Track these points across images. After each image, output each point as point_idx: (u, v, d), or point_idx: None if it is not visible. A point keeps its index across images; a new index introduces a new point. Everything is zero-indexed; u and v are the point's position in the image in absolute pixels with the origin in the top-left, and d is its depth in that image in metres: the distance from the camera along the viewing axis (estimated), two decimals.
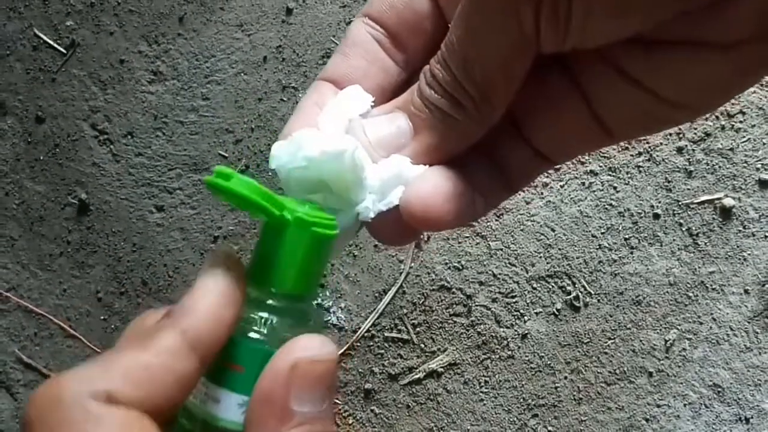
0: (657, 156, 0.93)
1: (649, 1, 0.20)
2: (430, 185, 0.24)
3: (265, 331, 0.24)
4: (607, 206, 0.93)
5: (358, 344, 0.94)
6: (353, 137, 0.25)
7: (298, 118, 0.27)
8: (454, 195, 0.24)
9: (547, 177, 0.94)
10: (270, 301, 0.24)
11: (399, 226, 0.26)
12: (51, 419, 0.19)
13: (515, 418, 0.91)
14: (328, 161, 0.24)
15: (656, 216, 0.92)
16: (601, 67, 0.24)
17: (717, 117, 0.93)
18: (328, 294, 0.95)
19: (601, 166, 0.94)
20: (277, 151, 0.26)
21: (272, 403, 0.21)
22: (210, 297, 0.22)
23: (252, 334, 0.24)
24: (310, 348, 0.22)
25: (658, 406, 0.90)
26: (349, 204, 0.25)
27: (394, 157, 0.25)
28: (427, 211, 0.24)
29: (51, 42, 1.04)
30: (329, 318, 0.94)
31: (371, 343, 0.94)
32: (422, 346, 0.93)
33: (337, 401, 0.93)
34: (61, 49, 1.03)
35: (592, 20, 0.21)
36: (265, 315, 0.24)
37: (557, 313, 0.92)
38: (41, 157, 1.02)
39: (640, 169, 0.93)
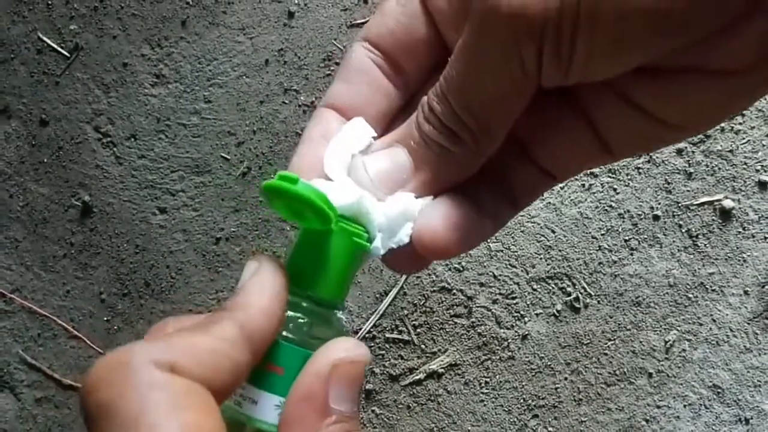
0: (657, 158, 0.94)
1: (651, 38, 0.20)
2: (439, 217, 0.25)
3: (301, 334, 0.24)
4: (607, 208, 0.94)
5: None
6: (353, 175, 0.26)
7: (305, 149, 0.27)
8: (463, 223, 0.25)
9: None
10: (305, 304, 0.25)
11: (411, 258, 0.26)
12: (117, 382, 0.20)
13: (515, 419, 0.92)
14: (340, 210, 0.25)
15: (656, 217, 0.93)
16: (605, 94, 0.24)
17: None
18: None
19: (600, 168, 0.95)
20: None
21: (313, 400, 0.22)
22: (265, 294, 0.23)
23: (290, 336, 0.24)
24: (348, 349, 0.23)
25: (658, 406, 0.90)
26: None
27: (398, 195, 0.26)
28: (439, 242, 0.25)
29: (55, 45, 1.04)
30: None
31: (372, 344, 0.94)
32: (423, 347, 0.94)
33: None
34: (65, 53, 1.04)
35: (595, 58, 0.21)
36: (301, 317, 0.25)
37: (557, 314, 0.93)
38: (45, 160, 1.03)
39: (640, 170, 0.94)
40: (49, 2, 1.05)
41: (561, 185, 0.95)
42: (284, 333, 0.24)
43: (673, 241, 0.92)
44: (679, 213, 0.93)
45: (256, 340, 0.22)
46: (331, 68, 1.00)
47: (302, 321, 0.25)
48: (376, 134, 0.27)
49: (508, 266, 0.94)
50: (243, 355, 0.22)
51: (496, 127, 0.24)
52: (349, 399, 0.23)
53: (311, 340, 0.24)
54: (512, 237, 0.94)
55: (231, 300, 0.23)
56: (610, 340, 0.92)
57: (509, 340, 0.93)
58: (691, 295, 0.91)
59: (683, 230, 0.92)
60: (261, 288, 0.23)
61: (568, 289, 0.93)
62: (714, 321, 0.91)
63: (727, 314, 0.91)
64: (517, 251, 0.94)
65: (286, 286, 0.24)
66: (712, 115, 0.23)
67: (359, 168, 0.26)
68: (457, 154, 0.25)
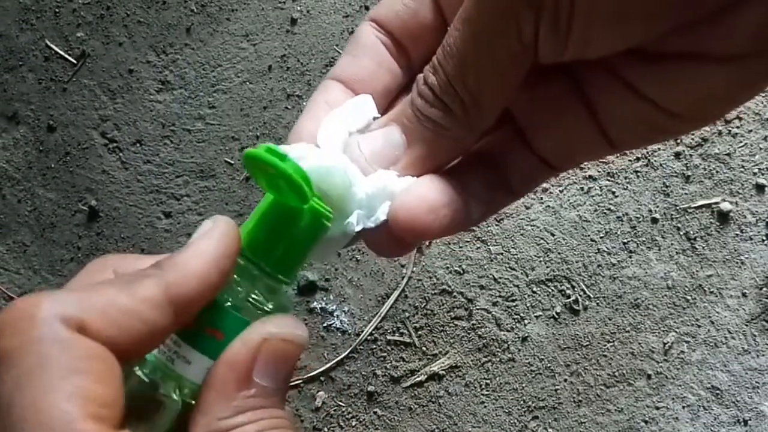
0: (655, 161, 0.95)
1: (649, 13, 0.20)
2: (416, 196, 0.24)
3: (248, 303, 0.25)
4: (605, 211, 0.95)
5: (361, 347, 0.95)
6: (348, 153, 0.26)
7: (308, 115, 0.27)
8: (441, 204, 0.24)
9: (547, 182, 0.96)
10: (256, 273, 0.25)
11: (392, 240, 0.26)
12: (21, 332, 0.19)
13: (516, 420, 0.93)
14: (322, 175, 0.25)
15: (654, 220, 0.94)
16: (605, 77, 0.24)
17: (714, 122, 0.94)
18: (332, 298, 0.97)
19: (599, 171, 0.96)
20: None
21: (236, 369, 0.22)
22: (202, 257, 0.22)
23: (235, 303, 0.24)
24: (283, 326, 0.23)
25: (657, 408, 0.91)
26: (340, 215, 0.26)
27: (380, 172, 0.26)
28: (413, 222, 0.24)
29: (62, 53, 1.06)
30: (333, 322, 0.96)
31: (374, 347, 0.95)
32: (424, 349, 0.95)
33: (340, 404, 0.95)
34: (72, 60, 1.06)
35: (593, 32, 0.21)
36: (251, 287, 0.25)
37: (557, 316, 0.94)
38: (52, 165, 1.05)
39: (638, 174, 0.95)
40: (57, 10, 1.07)
41: (560, 189, 0.96)
42: (230, 299, 0.24)
43: (672, 244, 0.93)
44: (677, 216, 0.94)
45: (181, 304, 0.22)
46: None
47: (249, 290, 0.25)
48: (379, 114, 0.27)
49: (508, 269, 0.95)
50: (162, 317, 0.21)
51: (488, 100, 0.24)
52: (273, 376, 0.23)
53: (256, 310, 0.24)
54: (512, 240, 0.95)
55: (167, 257, 0.22)
56: (609, 342, 0.93)
57: (509, 342, 0.94)
58: (689, 297, 0.92)
59: (681, 233, 0.93)
60: (201, 251, 0.23)
61: (568, 291, 0.94)
62: (712, 323, 0.92)
63: (725, 316, 0.91)
64: (516, 254, 0.95)
65: (233, 252, 0.23)
66: (709, 104, 0.23)
67: (353, 146, 0.26)
68: (448, 128, 0.24)
